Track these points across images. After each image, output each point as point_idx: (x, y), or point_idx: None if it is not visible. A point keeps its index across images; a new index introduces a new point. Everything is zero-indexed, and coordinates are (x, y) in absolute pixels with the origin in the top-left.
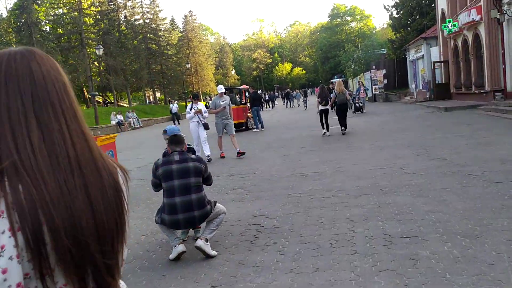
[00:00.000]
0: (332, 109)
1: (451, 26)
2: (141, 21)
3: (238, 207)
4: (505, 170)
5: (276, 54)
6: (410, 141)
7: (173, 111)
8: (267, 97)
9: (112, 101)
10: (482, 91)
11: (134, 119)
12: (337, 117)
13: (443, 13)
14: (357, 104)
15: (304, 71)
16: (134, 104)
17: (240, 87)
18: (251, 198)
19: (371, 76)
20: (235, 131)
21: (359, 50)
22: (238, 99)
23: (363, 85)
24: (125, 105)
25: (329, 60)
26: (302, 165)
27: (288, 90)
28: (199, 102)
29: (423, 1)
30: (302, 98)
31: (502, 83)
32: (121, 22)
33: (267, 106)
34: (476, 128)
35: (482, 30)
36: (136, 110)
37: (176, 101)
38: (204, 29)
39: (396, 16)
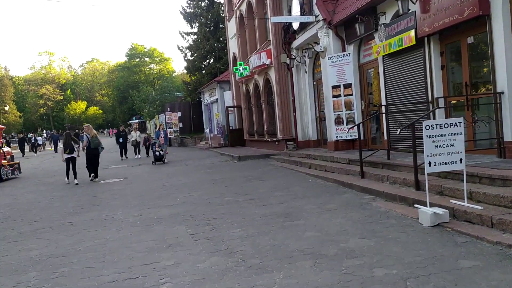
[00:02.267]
0: (83, 150)
1: (243, 70)
2: None
3: None
4: (322, 285)
5: (69, 91)
6: (192, 208)
7: None
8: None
9: None
10: (274, 139)
11: None
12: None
13: (234, 57)
14: (157, 153)
15: (101, 111)
16: None
17: None
18: None
19: (165, 119)
20: None
21: (155, 91)
22: None
23: (163, 129)
24: None
25: (127, 100)
26: None
27: (77, 130)
28: None
29: (215, 44)
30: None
31: (294, 131)
32: None
33: (42, 148)
34: (271, 186)
35: (272, 75)
36: None
37: None
38: None
39: (191, 58)
